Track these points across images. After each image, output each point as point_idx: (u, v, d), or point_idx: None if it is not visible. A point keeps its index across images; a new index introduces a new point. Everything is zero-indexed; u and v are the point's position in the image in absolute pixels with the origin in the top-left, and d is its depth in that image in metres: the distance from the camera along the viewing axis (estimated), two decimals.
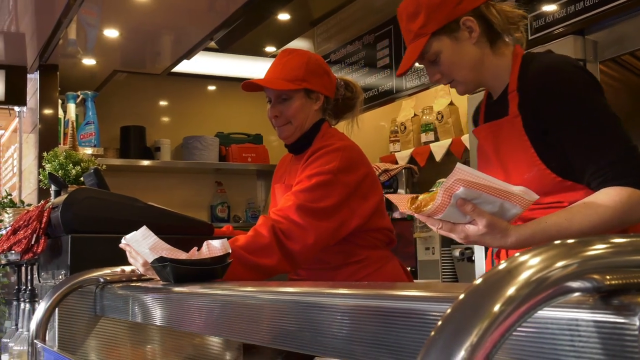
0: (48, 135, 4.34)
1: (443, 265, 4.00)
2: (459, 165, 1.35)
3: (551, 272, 0.48)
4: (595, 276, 0.49)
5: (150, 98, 5.26)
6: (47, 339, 1.83)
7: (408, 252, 4.21)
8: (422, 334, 0.66)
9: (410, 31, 1.74)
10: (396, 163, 4.76)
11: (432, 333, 0.47)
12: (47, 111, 4.43)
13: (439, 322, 0.47)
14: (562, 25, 3.08)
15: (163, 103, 5.35)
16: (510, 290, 0.47)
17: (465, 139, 4.19)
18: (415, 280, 3.75)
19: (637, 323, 0.45)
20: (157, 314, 1.53)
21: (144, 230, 1.60)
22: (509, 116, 1.68)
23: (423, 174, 4.50)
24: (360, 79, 4.75)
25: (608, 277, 0.49)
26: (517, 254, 0.51)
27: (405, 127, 4.96)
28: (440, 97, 4.65)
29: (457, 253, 3.81)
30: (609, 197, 1.48)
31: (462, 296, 0.48)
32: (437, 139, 4.65)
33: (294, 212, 1.95)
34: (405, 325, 0.68)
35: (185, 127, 5.24)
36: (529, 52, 1.76)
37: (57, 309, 1.86)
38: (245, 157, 5.20)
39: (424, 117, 4.79)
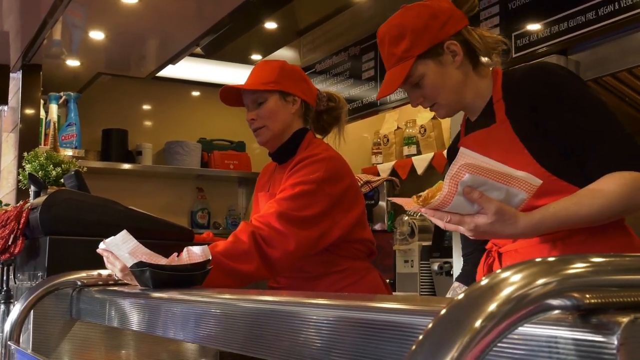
0: (29, 136, 4.30)
1: (422, 279, 4.01)
2: (462, 149, 1.33)
3: (532, 290, 0.48)
4: (575, 294, 0.50)
5: (133, 101, 5.23)
6: (21, 340, 1.81)
7: (387, 264, 4.22)
8: (402, 346, 0.66)
9: (393, 55, 1.74)
10: (378, 175, 4.77)
11: (413, 347, 0.47)
12: (29, 111, 4.39)
13: (420, 336, 0.48)
14: (545, 45, 3.12)
15: (146, 107, 5.32)
16: (492, 307, 0.47)
17: None
18: (394, 293, 3.75)
19: (616, 342, 0.46)
20: (135, 319, 1.52)
21: (124, 234, 1.59)
22: (497, 123, 1.70)
23: (404, 187, 4.52)
24: (344, 90, 4.77)
25: (588, 295, 0.50)
26: (499, 270, 0.51)
27: (388, 140, 4.98)
28: (424, 110, 4.68)
29: (435, 267, 3.83)
30: (613, 181, 1.48)
31: (443, 311, 0.49)
32: (419, 153, 4.68)
33: (275, 219, 1.95)
34: (385, 338, 0.68)
35: (168, 131, 5.22)
36: (508, 68, 1.79)
37: (32, 311, 1.84)
38: (228, 164, 5.19)
39: (407, 130, 4.81)
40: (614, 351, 0.46)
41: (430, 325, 0.48)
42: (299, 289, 2.16)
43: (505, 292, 0.48)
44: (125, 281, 1.72)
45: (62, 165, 2.63)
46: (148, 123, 5.31)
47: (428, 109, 1.82)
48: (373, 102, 4.52)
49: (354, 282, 2.15)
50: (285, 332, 0.88)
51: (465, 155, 1.33)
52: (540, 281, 0.49)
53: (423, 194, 1.41)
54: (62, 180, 2.59)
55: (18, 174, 2.91)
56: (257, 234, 1.92)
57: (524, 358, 0.53)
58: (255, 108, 2.18)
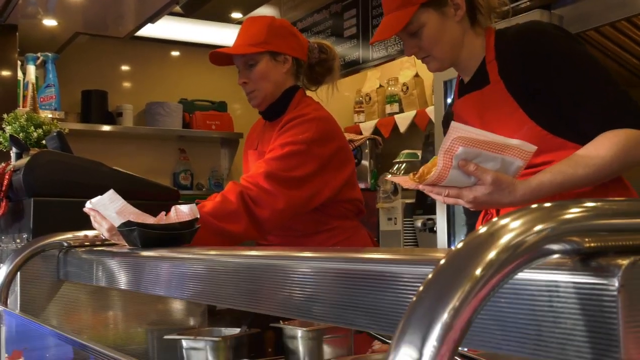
0: (6, 98, 4.22)
1: (405, 236, 4.05)
2: (453, 123, 1.34)
3: (531, 235, 0.49)
4: (575, 238, 0.50)
5: (112, 62, 5.15)
6: (8, 302, 1.81)
7: (371, 222, 4.25)
8: (399, 296, 0.67)
9: (400, 3, 1.71)
10: (360, 134, 4.77)
11: (414, 297, 0.48)
12: (6, 72, 4.31)
13: (421, 287, 0.48)
14: None
15: (126, 67, 5.25)
16: (491, 254, 0.47)
17: (430, 110, 4.22)
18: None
19: (616, 284, 0.47)
20: (124, 278, 1.53)
21: (111, 193, 1.58)
22: (491, 84, 1.70)
23: (387, 145, 4.53)
24: None
25: (587, 239, 0.51)
26: (496, 218, 0.51)
27: (370, 98, 4.96)
28: (406, 68, 4.66)
29: (419, 223, 3.86)
30: (608, 140, 1.49)
31: (443, 261, 0.49)
32: (401, 111, 4.68)
33: (264, 179, 1.95)
34: (381, 288, 0.69)
35: (148, 92, 5.16)
36: (501, 28, 1.77)
37: (19, 273, 1.84)
38: (209, 125, 5.15)
39: (389, 89, 4.80)
40: (615, 293, 0.47)
41: (430, 275, 0.48)
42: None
43: (505, 238, 0.48)
44: (113, 241, 1.72)
45: (44, 127, 2.60)
46: (128, 84, 5.25)
47: (414, 64, 1.83)
48: (355, 60, 4.49)
49: (343, 240, 2.16)
50: (280, 286, 0.89)
51: (457, 129, 1.34)
52: (539, 227, 0.49)
53: (419, 170, 1.42)
54: (44, 141, 2.56)
55: None
56: (245, 193, 1.92)
57: (525, 302, 0.54)
58: (246, 70, 2.15)
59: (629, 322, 0.47)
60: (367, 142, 4.49)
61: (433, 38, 1.72)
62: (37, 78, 4.28)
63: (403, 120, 4.55)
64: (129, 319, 2.06)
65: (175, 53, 5.36)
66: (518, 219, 0.50)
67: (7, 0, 3.83)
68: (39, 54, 4.35)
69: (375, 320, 0.70)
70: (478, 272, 0.47)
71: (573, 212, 0.50)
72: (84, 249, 1.79)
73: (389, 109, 4.79)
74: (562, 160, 1.50)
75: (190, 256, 1.25)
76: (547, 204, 0.51)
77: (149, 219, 1.56)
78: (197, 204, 2.27)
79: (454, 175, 1.39)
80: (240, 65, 2.17)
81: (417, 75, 4.58)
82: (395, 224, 4.20)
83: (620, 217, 0.51)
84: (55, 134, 2.34)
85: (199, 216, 1.58)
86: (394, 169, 4.29)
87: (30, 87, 3.99)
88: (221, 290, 1.08)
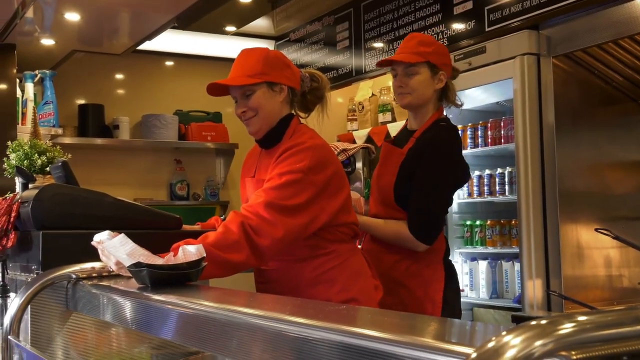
0: (6, 115, 4.26)
1: None
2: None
3: (533, 350, 0.57)
4: (564, 353, 0.58)
5: (108, 75, 5.20)
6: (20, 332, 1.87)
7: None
8: None
9: (415, 50, 2.45)
10: (354, 142, 4.84)
11: None
12: (5, 90, 4.34)
13: None
14: (517, 20, 3.18)
15: (121, 80, 5.29)
16: None
17: None
18: None
19: None
20: (130, 318, 1.58)
21: (121, 237, 1.65)
22: (401, 150, 2.50)
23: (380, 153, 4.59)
24: (320, 59, 4.78)
25: (574, 352, 0.58)
26: (504, 332, 0.59)
27: (363, 107, 5.03)
28: None
29: None
30: (397, 225, 2.46)
31: None
32: (394, 120, 4.75)
33: (264, 209, 2.01)
34: None
35: (144, 104, 5.21)
36: (441, 119, 2.49)
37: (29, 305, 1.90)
38: (205, 136, 5.21)
39: (382, 98, 4.87)
40: None
41: None
42: (286, 272, 2.24)
43: (510, 353, 0.56)
44: (121, 273, 1.78)
45: (47, 154, 2.65)
46: (124, 96, 5.29)
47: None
48: (348, 72, 4.55)
49: (340, 263, 2.23)
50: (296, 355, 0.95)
51: None
52: (539, 342, 0.57)
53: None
54: (47, 168, 2.62)
55: (2, 162, 2.90)
56: (246, 223, 1.98)
57: None
58: (244, 99, 2.22)
59: None
60: (361, 151, 4.55)
61: (419, 85, 2.47)
62: (35, 95, 4.32)
63: (396, 129, 4.60)
64: (134, 341, 2.12)
65: (169, 64, 5.42)
66: (519, 335, 0.58)
67: (9, 22, 3.87)
68: (37, 72, 4.39)
69: None
70: None
71: (565, 328, 0.58)
72: (92, 282, 1.84)
73: (381, 117, 4.87)
74: (381, 219, 2.52)
75: (199, 307, 1.29)
76: (543, 322, 0.59)
77: (158, 260, 1.63)
78: (200, 230, 2.34)
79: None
80: (238, 95, 2.24)
81: None
82: None
83: (604, 329, 0.59)
84: (60, 163, 2.40)
85: (205, 255, 1.65)
86: None
87: (29, 106, 4.03)
88: (226, 343, 1.14)
